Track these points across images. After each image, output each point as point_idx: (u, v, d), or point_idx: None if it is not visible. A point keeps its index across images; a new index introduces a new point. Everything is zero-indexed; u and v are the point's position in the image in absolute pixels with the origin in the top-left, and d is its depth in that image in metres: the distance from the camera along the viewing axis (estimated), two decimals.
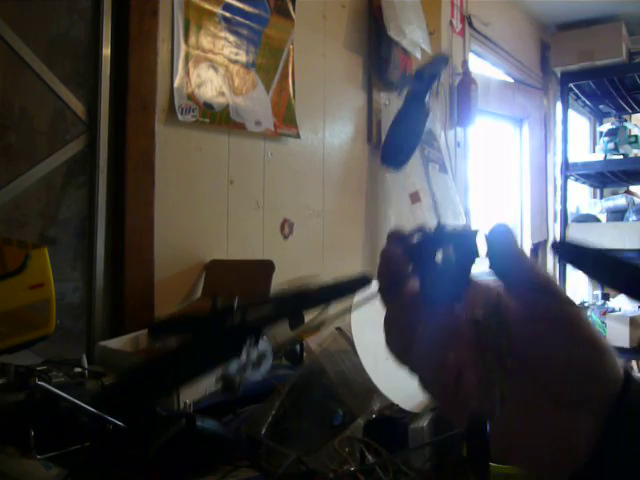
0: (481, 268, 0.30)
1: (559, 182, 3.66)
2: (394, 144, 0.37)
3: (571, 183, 3.73)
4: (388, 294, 0.31)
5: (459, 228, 0.30)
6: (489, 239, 0.29)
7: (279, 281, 1.44)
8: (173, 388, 0.32)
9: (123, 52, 1.39)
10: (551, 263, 3.47)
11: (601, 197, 4.24)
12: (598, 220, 3.73)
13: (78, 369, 0.98)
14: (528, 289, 0.29)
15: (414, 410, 0.97)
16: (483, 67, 3.08)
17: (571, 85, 3.59)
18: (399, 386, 0.96)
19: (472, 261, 0.29)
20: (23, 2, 1.25)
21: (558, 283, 0.30)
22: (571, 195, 3.73)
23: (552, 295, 0.29)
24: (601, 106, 4.03)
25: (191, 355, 0.29)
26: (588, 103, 3.94)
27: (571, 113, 3.79)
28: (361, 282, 0.31)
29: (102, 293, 1.37)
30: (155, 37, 1.42)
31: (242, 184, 1.67)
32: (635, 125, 3.63)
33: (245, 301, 0.30)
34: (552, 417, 0.29)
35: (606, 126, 3.69)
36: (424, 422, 0.93)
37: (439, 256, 0.29)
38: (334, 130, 2.02)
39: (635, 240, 3.30)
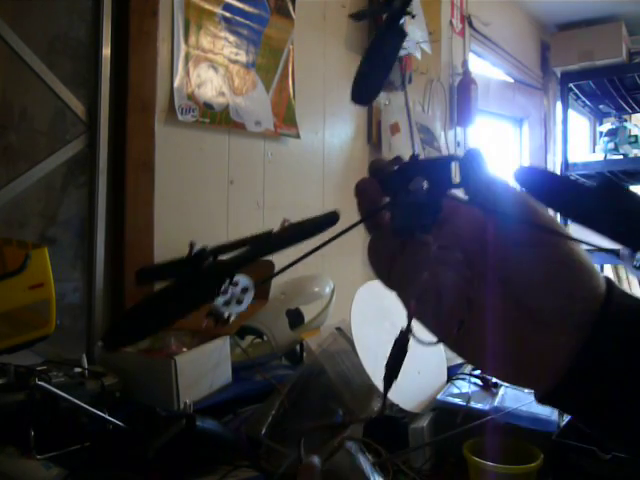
0: (458, 194, 0.30)
1: None
2: (365, 78, 0.35)
3: None
4: (367, 224, 0.32)
5: (434, 157, 0.30)
6: (461, 164, 0.29)
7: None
8: (159, 328, 0.34)
9: (123, 52, 1.39)
10: None
11: None
12: None
13: (78, 369, 0.98)
14: (502, 211, 0.29)
15: (414, 410, 0.97)
16: (483, 67, 3.08)
17: (571, 85, 3.59)
18: (399, 386, 0.96)
19: (444, 190, 0.29)
20: (23, 2, 1.25)
21: (534, 204, 0.30)
22: None
23: (526, 216, 0.29)
24: (601, 106, 4.03)
25: (172, 298, 0.30)
26: (588, 103, 3.94)
27: (571, 113, 3.79)
28: (330, 220, 0.31)
29: (102, 293, 1.37)
30: (155, 37, 1.42)
31: (242, 184, 1.67)
32: (635, 125, 3.63)
33: (219, 245, 0.32)
34: (531, 334, 0.30)
35: (606, 126, 3.69)
36: (424, 422, 0.93)
37: (414, 185, 0.29)
38: (334, 130, 2.02)
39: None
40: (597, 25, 3.34)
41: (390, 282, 0.32)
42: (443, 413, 0.97)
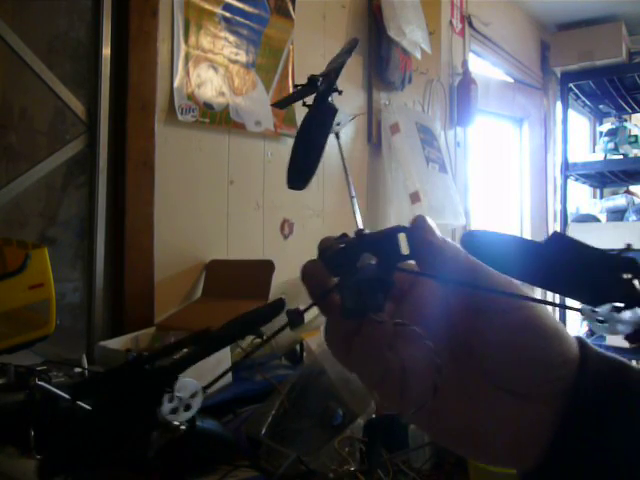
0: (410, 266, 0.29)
1: (559, 182, 3.66)
2: (299, 163, 0.36)
3: (571, 183, 3.73)
4: (319, 307, 0.30)
5: (379, 231, 0.29)
6: (408, 235, 0.28)
7: (279, 281, 1.45)
8: (105, 450, 0.32)
9: (123, 52, 1.39)
10: None
11: (601, 197, 4.24)
12: (598, 220, 3.73)
13: (78, 369, 0.98)
14: (457, 279, 0.28)
15: None
16: (483, 67, 3.08)
17: (571, 85, 3.59)
18: None
19: (393, 264, 0.28)
20: (23, 2, 1.25)
21: (487, 267, 0.28)
22: (571, 195, 3.73)
23: (482, 282, 0.28)
24: (601, 106, 4.03)
25: (111, 415, 0.29)
26: (588, 103, 3.94)
27: (571, 113, 3.79)
28: (275, 309, 0.30)
29: (102, 293, 1.37)
30: (155, 37, 1.42)
31: (242, 184, 1.67)
32: (635, 125, 3.63)
33: (157, 350, 0.30)
34: (504, 407, 0.28)
35: (606, 126, 3.69)
36: None
37: (362, 263, 0.28)
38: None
39: (635, 240, 3.30)
40: (597, 25, 3.34)
41: (349, 363, 0.31)
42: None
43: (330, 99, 0.36)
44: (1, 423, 0.80)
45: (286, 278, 1.50)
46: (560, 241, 0.25)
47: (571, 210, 3.79)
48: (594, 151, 3.97)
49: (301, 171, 0.37)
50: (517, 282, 0.29)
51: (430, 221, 0.29)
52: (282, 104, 0.40)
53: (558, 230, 3.63)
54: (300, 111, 1.67)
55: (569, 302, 0.27)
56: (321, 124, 0.36)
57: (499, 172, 3.40)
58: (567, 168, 3.59)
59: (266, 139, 1.74)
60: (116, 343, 1.19)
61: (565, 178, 3.61)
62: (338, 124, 0.37)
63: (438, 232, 0.29)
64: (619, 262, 0.24)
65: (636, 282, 0.24)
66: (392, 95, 2.26)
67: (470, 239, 0.27)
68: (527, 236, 3.40)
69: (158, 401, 0.28)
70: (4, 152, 1.23)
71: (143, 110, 1.40)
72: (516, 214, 3.47)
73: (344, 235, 0.29)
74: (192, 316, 1.38)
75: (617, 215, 3.70)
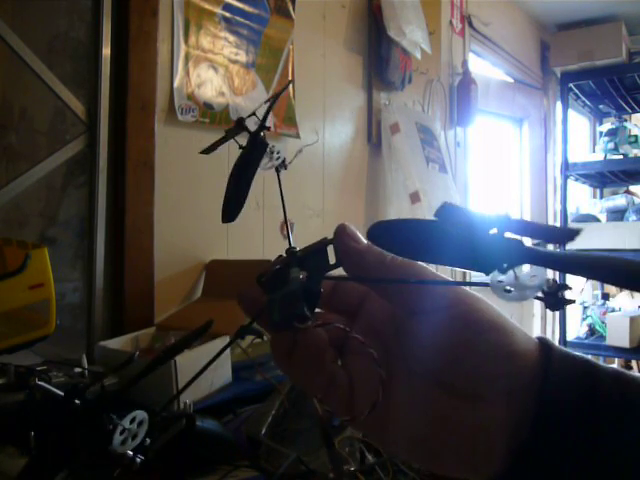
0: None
1: (559, 182, 3.66)
2: (232, 200, 0.38)
3: (571, 183, 3.73)
4: (261, 324, 0.31)
5: (309, 246, 0.30)
6: (334, 245, 0.29)
7: None
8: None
9: (123, 52, 1.39)
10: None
11: (601, 197, 4.24)
12: (598, 220, 3.73)
13: (78, 369, 0.98)
14: (386, 283, 0.28)
15: None
16: (483, 67, 3.08)
17: (571, 85, 3.59)
18: None
19: (321, 274, 0.29)
20: (23, 2, 1.25)
21: (421, 266, 0.28)
22: (571, 195, 3.73)
23: (417, 281, 0.28)
24: (601, 106, 4.03)
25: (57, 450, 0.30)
26: (588, 103, 3.94)
27: (571, 113, 3.79)
28: (203, 329, 0.33)
29: (102, 293, 1.37)
30: (155, 37, 1.42)
31: None
32: (635, 125, 3.63)
33: (94, 377, 0.32)
34: (455, 413, 0.27)
35: (606, 126, 3.69)
36: None
37: (291, 277, 0.28)
38: (334, 130, 2.02)
39: (635, 240, 3.30)
40: (597, 25, 3.34)
41: (294, 378, 0.31)
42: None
43: (262, 134, 0.39)
44: (1, 423, 0.80)
45: None
46: (450, 214, 0.25)
47: (571, 210, 3.79)
48: (594, 151, 3.97)
49: (233, 207, 0.40)
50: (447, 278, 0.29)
51: (352, 228, 0.29)
52: (209, 150, 0.42)
53: None
54: (300, 111, 1.66)
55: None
56: (251, 161, 0.39)
57: (499, 172, 3.40)
58: (567, 168, 3.59)
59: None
60: (116, 343, 1.19)
61: (565, 178, 3.60)
62: (278, 158, 0.40)
63: (361, 238, 0.29)
64: (499, 223, 0.24)
65: (523, 240, 0.24)
66: (392, 95, 2.26)
67: (374, 231, 0.27)
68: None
69: (99, 437, 0.30)
70: (4, 152, 1.23)
71: (143, 110, 1.40)
72: (516, 214, 3.47)
73: (279, 256, 0.31)
74: (192, 316, 1.38)
75: (617, 215, 3.70)
